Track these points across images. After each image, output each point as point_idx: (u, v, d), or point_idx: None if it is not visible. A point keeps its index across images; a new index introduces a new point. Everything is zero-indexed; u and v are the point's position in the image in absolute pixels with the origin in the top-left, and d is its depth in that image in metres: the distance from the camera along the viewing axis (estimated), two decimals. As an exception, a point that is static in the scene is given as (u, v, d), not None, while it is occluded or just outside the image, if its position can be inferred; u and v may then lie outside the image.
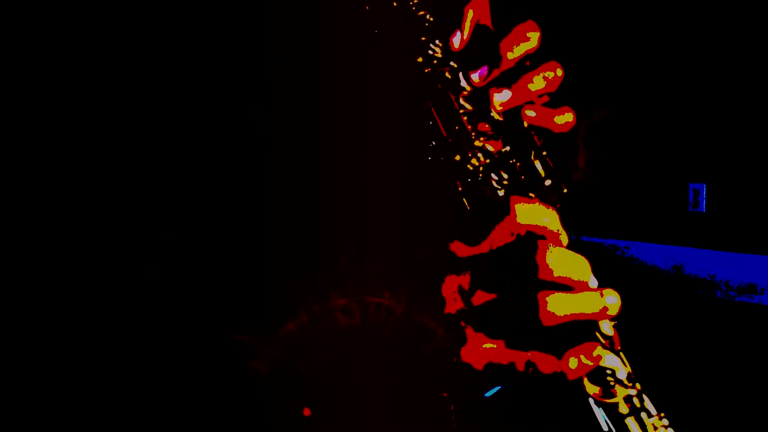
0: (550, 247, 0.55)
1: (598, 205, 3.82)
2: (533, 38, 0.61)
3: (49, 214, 0.63)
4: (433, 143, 0.62)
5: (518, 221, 0.56)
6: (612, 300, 0.56)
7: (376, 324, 0.58)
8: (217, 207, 0.66)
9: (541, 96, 0.62)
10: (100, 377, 0.60)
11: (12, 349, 0.60)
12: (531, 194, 0.60)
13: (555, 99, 0.63)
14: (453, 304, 0.57)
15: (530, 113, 0.61)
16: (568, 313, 0.54)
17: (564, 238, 0.57)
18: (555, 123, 0.62)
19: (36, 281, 0.62)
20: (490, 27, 0.64)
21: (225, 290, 0.64)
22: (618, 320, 0.57)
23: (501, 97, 0.61)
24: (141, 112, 0.66)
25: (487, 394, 0.59)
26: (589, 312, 0.55)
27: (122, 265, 0.63)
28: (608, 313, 0.56)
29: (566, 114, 0.62)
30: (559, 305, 0.54)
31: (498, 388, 0.58)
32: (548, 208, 0.57)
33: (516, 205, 0.57)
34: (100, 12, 0.66)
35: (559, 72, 0.61)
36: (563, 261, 0.55)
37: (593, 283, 0.56)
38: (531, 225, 0.56)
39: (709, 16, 3.49)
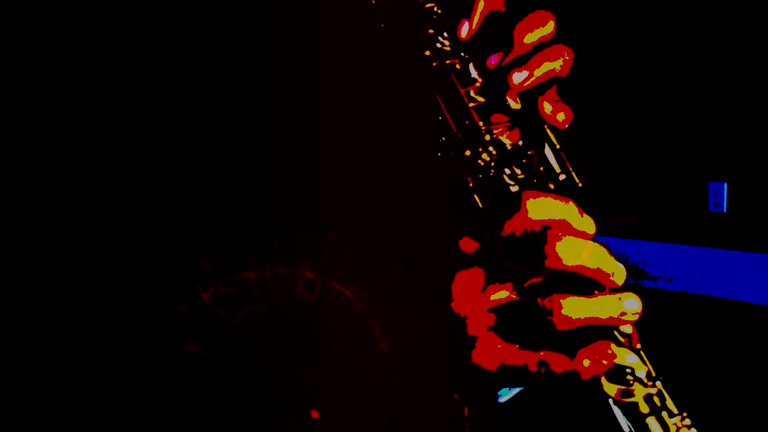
0: (564, 238, 0.53)
1: (615, 204, 3.79)
2: (549, 25, 0.59)
3: (51, 207, 0.63)
4: (443, 138, 0.60)
5: (530, 216, 0.55)
6: (631, 305, 0.53)
7: (328, 308, 0.58)
8: (217, 201, 0.66)
9: (552, 81, 0.60)
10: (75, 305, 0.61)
11: None
12: (546, 186, 0.58)
13: (567, 91, 0.61)
14: (463, 303, 0.56)
15: (546, 105, 0.59)
16: (583, 317, 0.52)
17: (588, 227, 0.55)
18: (564, 116, 0.60)
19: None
20: (503, 15, 0.62)
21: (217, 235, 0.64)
22: (638, 321, 0.55)
23: (519, 77, 0.58)
24: (141, 110, 0.66)
25: (502, 399, 0.57)
26: (606, 317, 0.53)
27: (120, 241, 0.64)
28: (627, 318, 0.53)
29: (567, 108, 0.60)
30: (574, 309, 0.52)
31: (517, 390, 0.56)
32: (562, 200, 0.55)
33: (528, 201, 0.55)
34: (99, 11, 0.66)
35: (567, 56, 0.59)
36: (578, 251, 0.53)
37: (618, 272, 0.54)
38: (544, 220, 0.54)
39: (732, 14, 3.46)
